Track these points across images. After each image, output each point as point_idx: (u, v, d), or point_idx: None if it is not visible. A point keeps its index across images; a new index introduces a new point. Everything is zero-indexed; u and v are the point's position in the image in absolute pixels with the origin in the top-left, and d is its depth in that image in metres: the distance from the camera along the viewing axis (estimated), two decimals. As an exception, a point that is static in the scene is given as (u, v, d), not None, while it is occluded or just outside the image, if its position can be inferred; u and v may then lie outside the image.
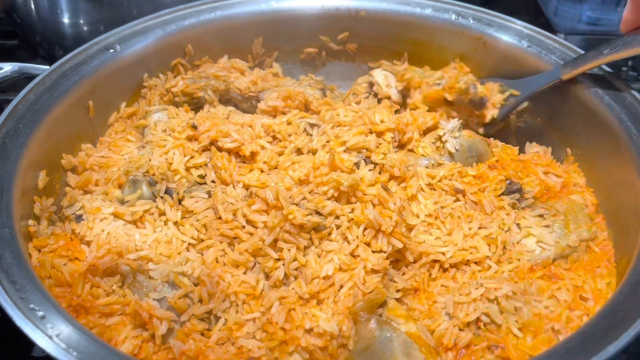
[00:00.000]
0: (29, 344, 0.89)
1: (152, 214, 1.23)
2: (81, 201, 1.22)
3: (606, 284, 1.11)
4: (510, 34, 1.50)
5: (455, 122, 1.38)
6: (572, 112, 1.37)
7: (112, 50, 1.44)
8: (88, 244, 1.16)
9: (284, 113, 1.42)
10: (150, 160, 1.30)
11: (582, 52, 1.40)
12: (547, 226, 1.23)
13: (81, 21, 1.94)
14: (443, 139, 1.38)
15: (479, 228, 1.23)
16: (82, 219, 1.19)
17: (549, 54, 1.42)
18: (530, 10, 2.58)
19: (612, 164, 1.26)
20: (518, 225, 1.24)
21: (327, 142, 1.33)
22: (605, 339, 0.79)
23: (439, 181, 1.29)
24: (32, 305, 0.92)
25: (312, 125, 1.38)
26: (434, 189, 1.28)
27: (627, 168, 1.17)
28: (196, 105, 1.50)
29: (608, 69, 1.34)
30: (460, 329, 1.06)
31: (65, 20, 1.90)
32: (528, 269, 1.16)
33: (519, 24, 1.50)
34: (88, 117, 1.40)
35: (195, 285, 1.09)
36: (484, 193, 1.29)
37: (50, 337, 0.87)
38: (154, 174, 1.27)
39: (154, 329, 1.01)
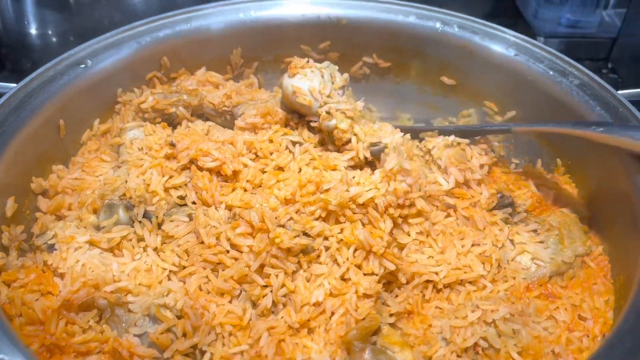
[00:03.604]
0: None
1: (130, 240, 1.16)
2: (53, 229, 1.14)
3: (604, 302, 1.09)
4: (497, 42, 1.46)
5: (443, 137, 1.33)
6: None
7: (83, 66, 1.37)
8: (62, 276, 1.08)
9: (263, 129, 1.37)
10: (126, 181, 1.24)
11: (570, 59, 1.37)
12: (542, 242, 1.20)
13: (49, 32, 1.86)
14: (432, 152, 1.33)
15: (472, 245, 1.20)
16: (55, 249, 1.12)
17: (537, 62, 1.39)
18: (510, 14, 2.57)
19: (604, 174, 1.23)
20: (512, 241, 1.21)
21: (312, 160, 1.28)
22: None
23: (429, 196, 1.25)
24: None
25: (294, 143, 1.33)
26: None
27: (621, 178, 1.14)
28: (167, 121, 1.43)
29: (598, 79, 1.31)
30: (458, 355, 1.02)
31: (33, 31, 1.83)
32: (524, 288, 1.13)
33: (505, 32, 1.47)
34: (59, 136, 1.33)
35: (178, 317, 1.02)
36: (476, 208, 1.26)
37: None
38: (130, 197, 1.20)
39: (135, 368, 0.95)
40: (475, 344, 1.03)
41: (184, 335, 1.01)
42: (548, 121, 1.25)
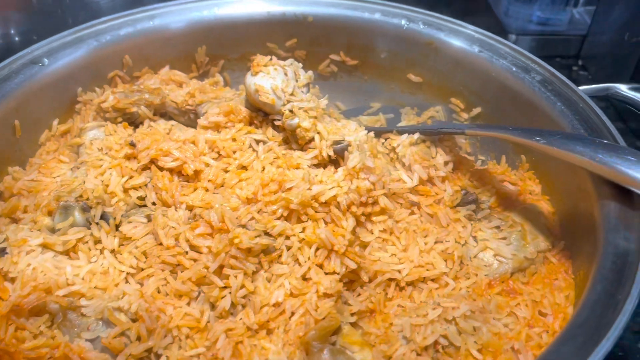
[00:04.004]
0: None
1: (87, 242, 1.14)
2: (5, 232, 1.11)
3: (565, 297, 1.09)
4: (461, 38, 1.46)
5: (408, 135, 1.33)
6: (526, 119, 1.33)
7: (40, 64, 1.33)
8: (12, 280, 1.05)
9: (227, 127, 1.35)
10: (84, 182, 1.21)
11: (532, 56, 1.37)
12: (504, 238, 1.20)
13: (12, 31, 1.82)
14: (397, 150, 1.33)
15: (435, 242, 1.19)
16: (6, 253, 1.09)
17: (500, 59, 1.39)
18: (482, 12, 2.58)
19: (566, 172, 1.23)
20: (475, 238, 1.21)
21: (276, 158, 1.26)
22: (567, 367, 0.76)
23: (393, 194, 1.24)
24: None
25: (257, 142, 1.31)
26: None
27: (581, 175, 1.14)
28: (129, 120, 1.40)
29: (559, 74, 1.31)
30: (417, 354, 1.01)
31: (-6, 30, 1.79)
32: (486, 285, 1.13)
33: (469, 29, 1.47)
34: (14, 137, 1.29)
35: (133, 321, 1.00)
36: (439, 205, 1.25)
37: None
38: (87, 199, 1.17)
39: (86, 373, 0.93)
40: (436, 342, 1.02)
41: (138, 339, 0.98)
42: (499, 126, 1.25)
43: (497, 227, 1.22)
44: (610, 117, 2.05)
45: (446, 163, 1.32)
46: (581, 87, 1.27)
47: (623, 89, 1.24)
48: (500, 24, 2.42)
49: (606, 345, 0.77)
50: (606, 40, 2.18)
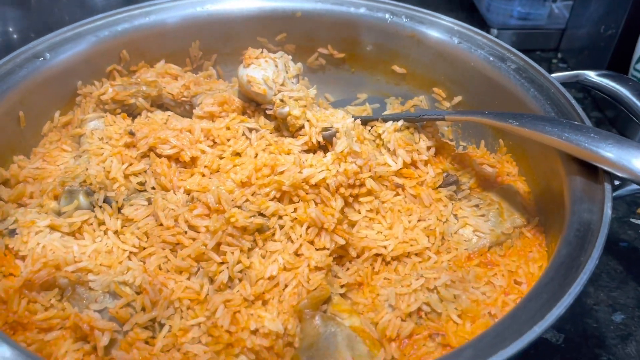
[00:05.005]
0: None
1: (91, 224, 1.21)
2: (14, 215, 1.18)
3: (538, 267, 1.17)
4: (442, 30, 1.54)
5: (392, 122, 1.41)
6: (503, 105, 1.42)
7: (42, 59, 1.40)
8: (23, 258, 1.12)
9: (221, 117, 1.42)
10: (87, 169, 1.28)
11: (508, 46, 1.46)
12: (483, 215, 1.28)
13: (10, 29, 1.88)
14: (382, 136, 1.40)
15: (419, 220, 1.27)
16: (16, 234, 1.15)
17: (478, 49, 1.47)
18: (465, 7, 2.67)
19: (540, 154, 1.32)
20: (455, 216, 1.29)
21: (268, 145, 1.34)
22: (532, 319, 0.83)
23: (379, 177, 1.32)
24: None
25: (250, 130, 1.38)
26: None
27: (553, 157, 1.22)
28: (128, 111, 1.48)
29: (533, 62, 1.40)
30: (402, 320, 1.09)
31: (-7, 28, 1.84)
32: (466, 258, 1.20)
33: (449, 21, 1.55)
34: (19, 127, 1.36)
35: (138, 293, 1.07)
36: (422, 187, 1.33)
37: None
38: (91, 184, 1.24)
39: (96, 340, 0.99)
40: (419, 309, 1.09)
41: (143, 309, 1.05)
42: (476, 111, 1.32)
43: (476, 206, 1.30)
44: (588, 107, 2.16)
45: (428, 148, 1.40)
46: (553, 75, 1.35)
47: (592, 75, 1.32)
48: (483, 19, 2.51)
49: (567, 300, 0.85)
50: (583, 34, 2.28)
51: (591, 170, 1.10)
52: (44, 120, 1.43)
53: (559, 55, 2.46)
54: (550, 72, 1.38)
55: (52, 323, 1.03)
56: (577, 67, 2.32)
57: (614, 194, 1.06)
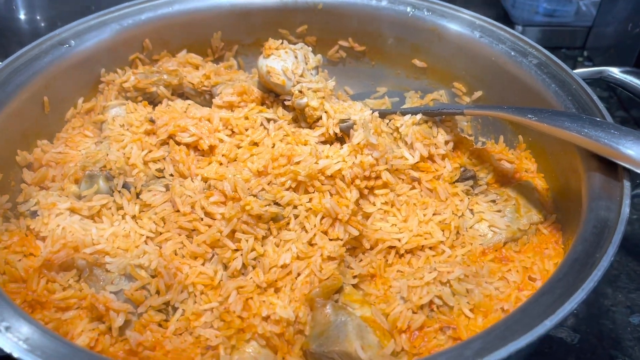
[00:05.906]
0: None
1: (110, 208, 1.23)
2: (36, 197, 1.21)
3: (553, 264, 1.15)
4: (463, 24, 1.53)
5: (410, 115, 1.40)
6: (523, 100, 1.40)
7: (67, 46, 1.43)
8: (43, 239, 1.15)
9: (240, 107, 1.43)
10: (107, 155, 1.30)
11: (530, 40, 1.44)
12: (499, 211, 1.27)
13: (38, 17, 1.92)
14: (400, 130, 1.40)
15: (434, 214, 1.26)
16: (37, 215, 1.19)
17: (500, 43, 1.46)
18: (488, 2, 2.64)
19: (559, 151, 1.30)
20: (471, 210, 1.28)
21: (285, 136, 1.35)
22: (543, 314, 0.83)
23: (396, 170, 1.32)
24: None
25: (268, 120, 1.39)
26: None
27: (572, 154, 1.21)
28: (149, 99, 1.50)
29: (555, 58, 1.38)
30: (413, 312, 1.09)
31: (22, 16, 1.89)
32: (480, 253, 1.20)
33: (470, 15, 1.53)
34: (43, 113, 1.39)
35: (153, 277, 1.09)
36: (439, 180, 1.33)
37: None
38: (111, 169, 1.27)
39: (111, 321, 1.02)
40: (431, 302, 1.09)
41: (157, 292, 1.07)
42: (495, 106, 1.31)
43: (493, 201, 1.29)
44: (614, 106, 2.12)
45: (446, 142, 1.39)
46: (576, 71, 1.33)
47: (615, 72, 1.30)
48: (508, 15, 2.48)
49: (580, 295, 0.84)
50: (610, 32, 2.23)
51: (611, 168, 1.08)
52: (67, 106, 1.46)
53: (585, 53, 2.42)
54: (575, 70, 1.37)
55: (70, 303, 1.05)
56: (603, 65, 2.26)
57: (634, 192, 1.04)
